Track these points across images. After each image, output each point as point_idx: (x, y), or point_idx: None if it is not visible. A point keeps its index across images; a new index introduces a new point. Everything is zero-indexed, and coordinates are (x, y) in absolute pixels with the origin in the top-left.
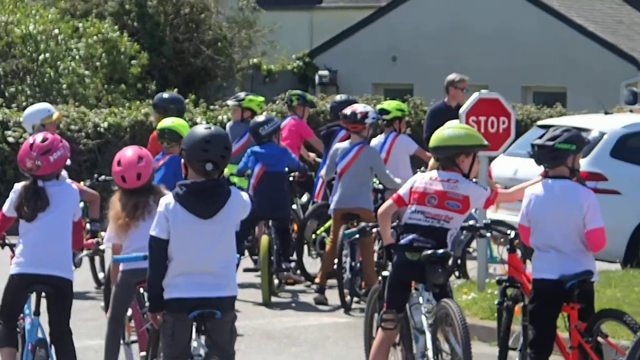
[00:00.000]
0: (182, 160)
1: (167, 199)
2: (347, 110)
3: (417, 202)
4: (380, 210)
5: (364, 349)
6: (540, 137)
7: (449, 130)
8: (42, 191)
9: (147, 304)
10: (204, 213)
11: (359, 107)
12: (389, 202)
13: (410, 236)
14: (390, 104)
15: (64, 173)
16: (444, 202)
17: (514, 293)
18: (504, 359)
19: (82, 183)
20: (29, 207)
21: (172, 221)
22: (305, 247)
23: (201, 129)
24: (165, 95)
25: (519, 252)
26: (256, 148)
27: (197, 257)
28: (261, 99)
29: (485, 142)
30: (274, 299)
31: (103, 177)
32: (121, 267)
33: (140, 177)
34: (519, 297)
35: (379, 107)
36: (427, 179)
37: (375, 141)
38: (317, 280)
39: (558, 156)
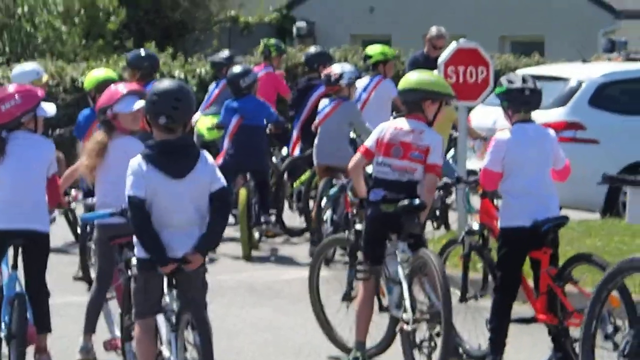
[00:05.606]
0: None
1: (138, 159)
2: (324, 72)
3: (383, 153)
4: (350, 165)
5: (312, 307)
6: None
7: (419, 75)
8: (0, 141)
9: (122, 259)
10: (176, 173)
11: (335, 69)
12: (357, 155)
13: (382, 192)
14: (373, 48)
15: None
16: (409, 153)
17: (475, 241)
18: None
19: None
20: None
21: (145, 181)
22: (286, 201)
23: (157, 83)
24: (142, 53)
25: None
26: (233, 103)
27: (168, 218)
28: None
29: (453, 93)
30: (254, 252)
31: (57, 130)
32: (96, 222)
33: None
34: (480, 246)
35: (364, 53)
36: (393, 128)
37: (361, 82)
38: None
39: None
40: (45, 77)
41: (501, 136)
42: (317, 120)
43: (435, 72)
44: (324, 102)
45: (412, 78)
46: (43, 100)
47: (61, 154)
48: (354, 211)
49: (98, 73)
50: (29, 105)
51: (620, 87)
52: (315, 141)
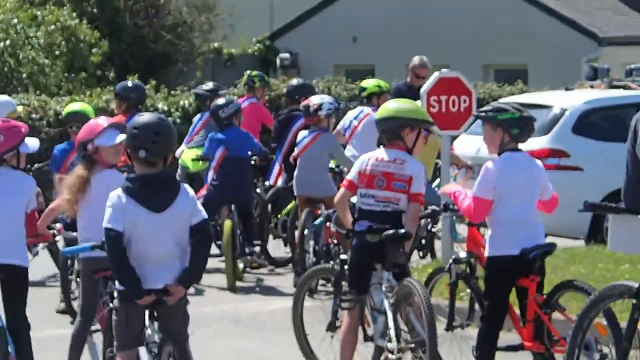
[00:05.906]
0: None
1: (118, 192)
2: (303, 103)
3: (366, 185)
4: (336, 200)
5: (296, 338)
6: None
7: (396, 104)
8: None
9: (107, 292)
10: (156, 206)
11: (314, 100)
12: (342, 190)
13: (367, 223)
14: (368, 82)
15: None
16: (391, 184)
17: (462, 270)
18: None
19: None
20: None
21: (124, 214)
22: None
23: (137, 117)
24: (129, 84)
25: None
26: (218, 134)
27: (148, 251)
28: None
29: (431, 119)
30: (239, 283)
31: (36, 165)
32: (80, 255)
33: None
34: (467, 274)
35: (360, 85)
36: (374, 159)
37: (353, 111)
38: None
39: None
40: (20, 108)
41: (491, 165)
42: (296, 152)
43: (419, 102)
44: (303, 133)
45: (390, 107)
46: (26, 135)
47: (38, 189)
48: (334, 241)
49: (71, 106)
50: (13, 142)
51: (604, 114)
52: (295, 172)
